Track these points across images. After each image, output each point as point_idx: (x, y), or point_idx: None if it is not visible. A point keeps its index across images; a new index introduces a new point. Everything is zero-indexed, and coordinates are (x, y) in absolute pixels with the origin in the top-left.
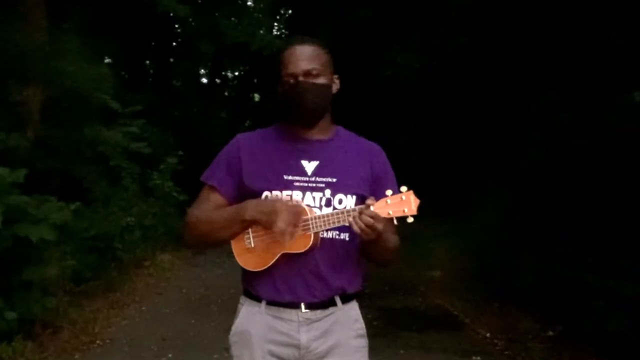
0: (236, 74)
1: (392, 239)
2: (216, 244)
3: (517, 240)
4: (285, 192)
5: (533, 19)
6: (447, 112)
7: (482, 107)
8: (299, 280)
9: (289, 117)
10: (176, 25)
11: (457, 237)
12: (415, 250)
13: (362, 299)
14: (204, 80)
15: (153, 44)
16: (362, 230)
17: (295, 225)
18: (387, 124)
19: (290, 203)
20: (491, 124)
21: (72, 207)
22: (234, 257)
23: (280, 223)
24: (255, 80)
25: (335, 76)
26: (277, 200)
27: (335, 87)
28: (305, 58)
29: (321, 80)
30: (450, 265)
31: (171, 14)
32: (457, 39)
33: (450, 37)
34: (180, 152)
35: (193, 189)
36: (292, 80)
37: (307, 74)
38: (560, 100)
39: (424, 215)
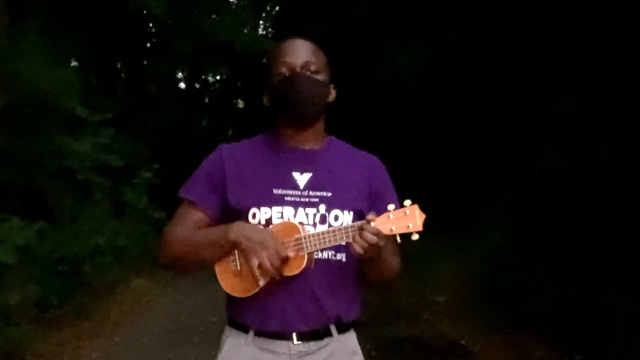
0: (218, 77)
1: (393, 259)
2: (197, 266)
3: (530, 258)
4: (275, 209)
5: (548, 10)
6: (453, 116)
7: (491, 109)
8: (290, 307)
9: (280, 118)
10: (150, 24)
11: (465, 256)
12: (417, 272)
13: (360, 327)
14: (182, 84)
15: (125, 44)
16: (364, 249)
17: (277, 270)
18: (387, 130)
19: (282, 246)
20: (502, 127)
21: (36, 226)
22: (217, 280)
23: (263, 259)
24: (239, 85)
25: (332, 85)
26: (271, 234)
27: (331, 97)
28: (305, 50)
29: (319, 77)
30: (457, 288)
31: (145, 11)
32: (464, 33)
33: (456, 31)
34: (156, 165)
35: (171, 205)
36: (287, 72)
37: (306, 66)
38: (579, 100)
39: (428, 231)
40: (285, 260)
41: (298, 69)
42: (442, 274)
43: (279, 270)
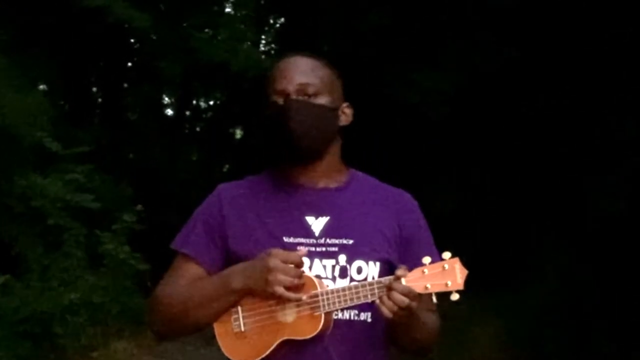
0: (211, 103)
1: (431, 320)
2: (193, 329)
3: (585, 320)
4: None
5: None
6: (488, 148)
7: (534, 139)
8: None
9: (278, 155)
10: (132, 40)
11: (505, 317)
12: (449, 336)
13: None
14: (169, 111)
15: (101, 64)
16: (393, 312)
17: (300, 277)
18: (409, 164)
19: (286, 252)
20: (547, 161)
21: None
22: (214, 343)
23: (279, 286)
24: (237, 111)
25: (346, 104)
26: (267, 253)
27: (346, 118)
28: (300, 71)
29: (320, 101)
30: (497, 355)
31: (125, 25)
32: (503, 52)
33: (494, 50)
34: (140, 207)
35: (157, 255)
36: (280, 100)
37: (302, 90)
38: None
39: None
40: (300, 263)
41: (293, 95)
42: (477, 336)
43: (299, 278)
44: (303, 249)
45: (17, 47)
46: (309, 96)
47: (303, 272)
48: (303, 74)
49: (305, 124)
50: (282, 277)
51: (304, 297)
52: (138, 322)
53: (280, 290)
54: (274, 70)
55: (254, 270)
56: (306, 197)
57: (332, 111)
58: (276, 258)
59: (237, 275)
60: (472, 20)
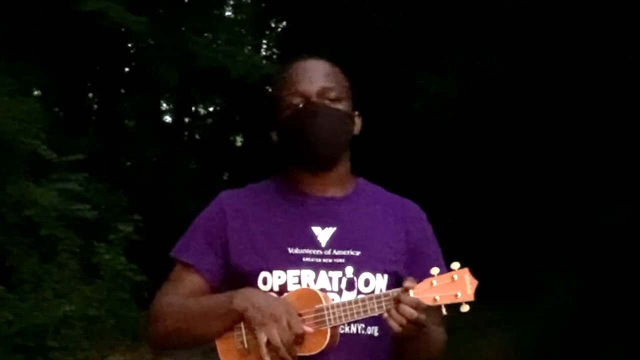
0: (210, 109)
1: (438, 333)
2: (192, 343)
3: (597, 329)
4: (291, 272)
5: (613, 34)
6: (496, 155)
7: (544, 148)
8: None
9: (294, 160)
10: (129, 45)
11: (515, 327)
12: (456, 347)
13: None
14: (167, 118)
15: (97, 69)
16: (401, 325)
17: (289, 348)
18: (415, 172)
19: (299, 320)
20: (559, 170)
21: None
22: (213, 357)
23: (265, 336)
24: (237, 118)
25: (357, 113)
26: (285, 304)
27: (357, 127)
28: (322, 74)
29: (340, 106)
30: None
31: (122, 29)
32: (509, 58)
33: (500, 55)
34: (137, 217)
35: (155, 266)
36: (300, 103)
37: (324, 94)
38: None
39: None
40: (300, 337)
41: (314, 98)
42: (482, 349)
43: (291, 349)
44: (316, 286)
45: (10, 51)
46: (331, 100)
47: (296, 352)
48: (325, 78)
49: (326, 129)
50: (274, 332)
51: None
52: (134, 336)
53: (262, 339)
54: (292, 71)
55: (262, 304)
56: (312, 207)
57: (350, 118)
58: (287, 315)
59: (243, 297)
60: (478, 26)
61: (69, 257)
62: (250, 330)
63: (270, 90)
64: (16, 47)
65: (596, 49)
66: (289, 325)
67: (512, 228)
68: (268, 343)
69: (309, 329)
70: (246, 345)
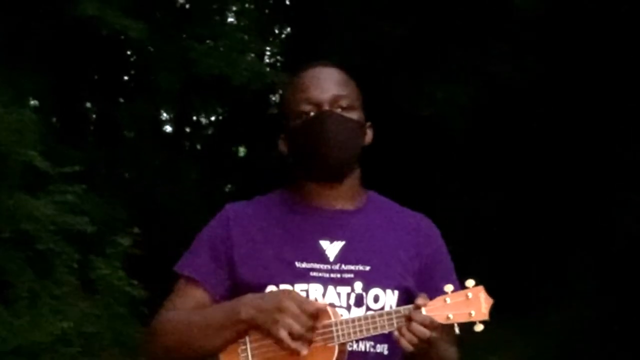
0: (212, 118)
1: (450, 353)
2: (195, 359)
3: (611, 350)
4: (299, 286)
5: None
6: (507, 162)
7: (558, 157)
8: None
9: (304, 170)
10: (128, 52)
11: (528, 340)
12: None
13: None
14: (167, 127)
15: (95, 77)
16: (412, 344)
17: (312, 331)
18: (423, 180)
19: (304, 298)
20: (573, 177)
21: None
22: None
23: (284, 329)
24: (240, 128)
25: (368, 123)
26: (285, 292)
27: (368, 138)
28: (334, 82)
29: (353, 115)
30: None
31: (121, 36)
32: (520, 62)
33: (511, 60)
34: (136, 230)
35: (155, 281)
36: (312, 111)
37: (336, 102)
38: None
39: None
40: (315, 315)
41: (326, 106)
42: None
43: (310, 329)
44: (324, 302)
45: (5, 59)
46: (343, 109)
47: (315, 326)
48: (338, 86)
49: (338, 138)
50: (290, 321)
51: (304, 352)
52: (133, 353)
53: (284, 334)
54: (303, 78)
55: (265, 304)
56: (321, 220)
57: (362, 128)
58: (292, 300)
59: (247, 306)
60: (486, 32)
61: (65, 272)
62: (267, 334)
63: (279, 97)
64: (12, 55)
65: (611, 54)
66: (300, 307)
67: (522, 238)
68: (291, 335)
69: (322, 304)
70: (250, 359)
